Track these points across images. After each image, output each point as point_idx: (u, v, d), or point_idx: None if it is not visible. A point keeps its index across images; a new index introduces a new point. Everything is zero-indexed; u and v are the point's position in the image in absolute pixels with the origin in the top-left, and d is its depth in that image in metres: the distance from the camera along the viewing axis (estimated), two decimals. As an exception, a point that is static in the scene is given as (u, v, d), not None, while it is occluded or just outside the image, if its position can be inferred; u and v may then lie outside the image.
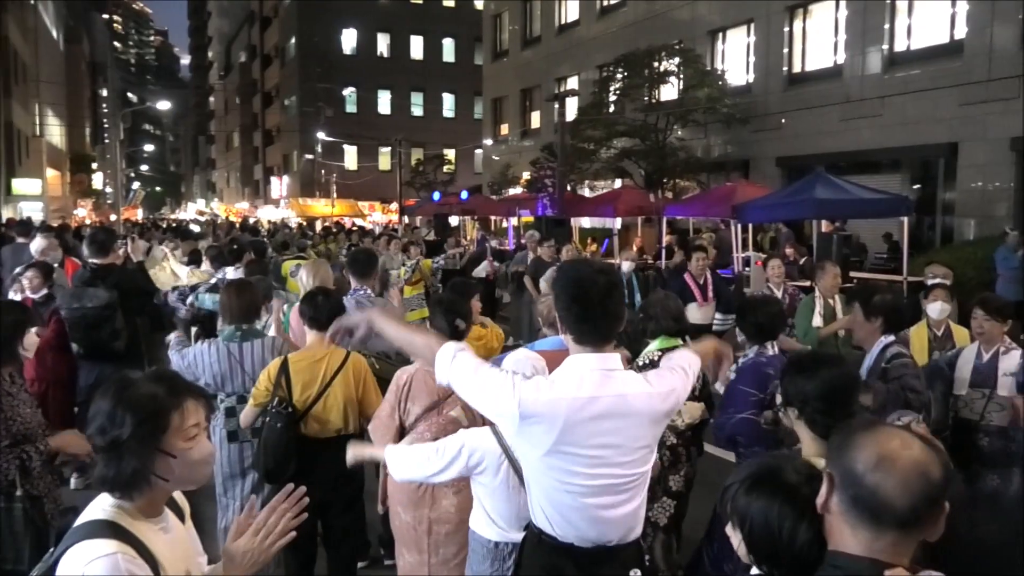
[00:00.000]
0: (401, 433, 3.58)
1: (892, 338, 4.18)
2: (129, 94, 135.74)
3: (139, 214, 62.59)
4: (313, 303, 4.08)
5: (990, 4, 15.18)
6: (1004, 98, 14.92)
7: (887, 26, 17.34)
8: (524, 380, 2.30)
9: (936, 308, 5.52)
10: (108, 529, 1.71)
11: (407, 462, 3.08)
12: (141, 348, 6.82)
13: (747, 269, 14.56)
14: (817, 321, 6.39)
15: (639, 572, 2.40)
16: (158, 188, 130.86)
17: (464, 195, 27.70)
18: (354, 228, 24.59)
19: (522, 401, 2.22)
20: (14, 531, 3.12)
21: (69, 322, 5.66)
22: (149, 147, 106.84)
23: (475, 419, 3.36)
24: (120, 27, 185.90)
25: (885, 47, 17.39)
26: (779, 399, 4.10)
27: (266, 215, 51.54)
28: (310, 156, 49.24)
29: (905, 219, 13.19)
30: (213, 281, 7.14)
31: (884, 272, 14.64)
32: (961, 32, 15.93)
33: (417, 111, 53.79)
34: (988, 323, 4.56)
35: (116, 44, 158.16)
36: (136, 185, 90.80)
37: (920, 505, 1.46)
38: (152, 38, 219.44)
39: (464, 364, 2.33)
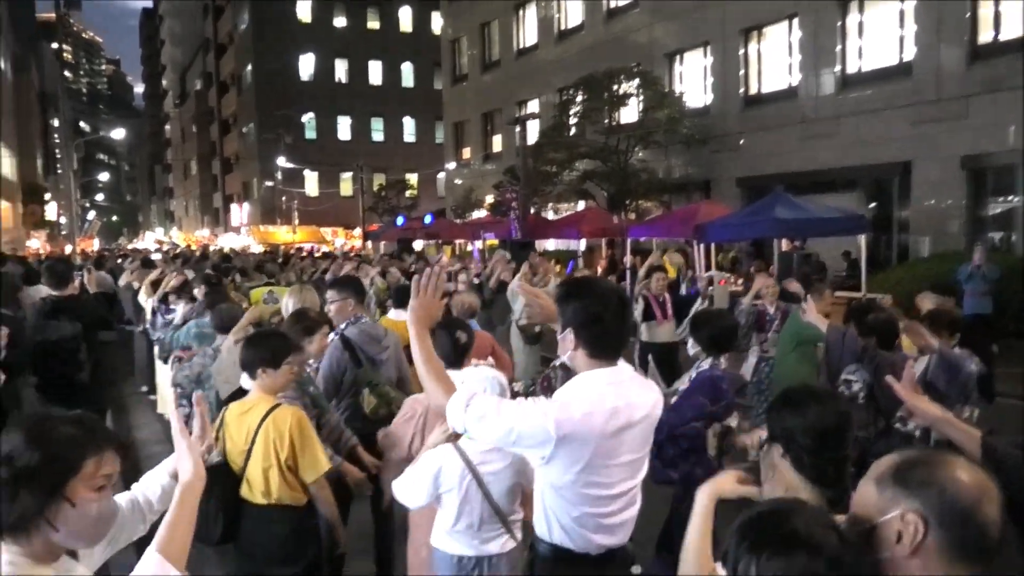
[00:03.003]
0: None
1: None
2: (82, 123, 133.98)
3: (95, 244, 61.43)
4: (249, 345, 3.61)
5: (936, 26, 15.68)
6: (953, 117, 15.38)
7: (839, 48, 17.80)
8: (551, 403, 2.33)
9: None
10: None
11: (406, 492, 3.13)
12: (104, 380, 6.67)
13: (711, 288, 14.71)
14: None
15: (639, 568, 2.50)
16: (115, 218, 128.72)
17: (428, 219, 27.66)
18: (305, 255, 23.54)
19: (558, 424, 2.25)
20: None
21: (33, 355, 5.52)
22: (104, 176, 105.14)
23: None
24: (71, 56, 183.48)
25: (838, 68, 17.83)
26: (731, 419, 4.21)
27: (227, 243, 50.94)
28: (270, 183, 48.88)
29: (862, 237, 13.46)
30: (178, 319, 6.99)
31: (844, 289, 14.87)
32: (910, 53, 16.41)
33: (378, 136, 53.79)
34: (936, 339, 4.64)
35: (67, 74, 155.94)
36: (92, 215, 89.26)
37: (1002, 533, 1.44)
38: (104, 67, 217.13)
39: (483, 407, 2.31)
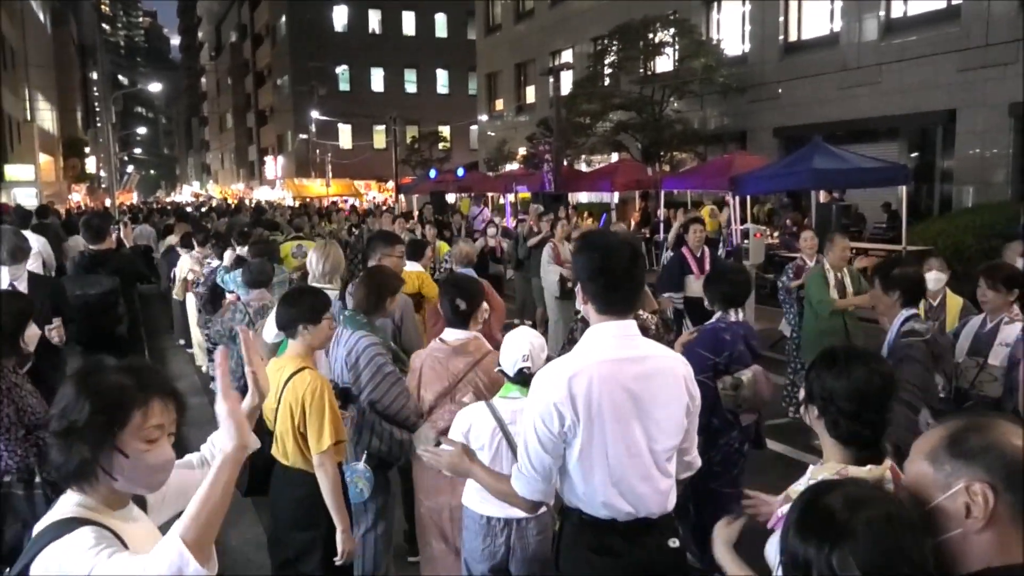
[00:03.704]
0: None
1: (913, 311, 4.10)
2: (120, 77, 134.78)
3: (134, 198, 62.34)
4: (284, 303, 3.46)
5: (987, -32, 15.02)
6: (1003, 63, 14.81)
7: (884, -8, 17.18)
8: (551, 375, 2.29)
9: (931, 278, 5.46)
10: (77, 522, 1.63)
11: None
12: (141, 333, 6.83)
13: (746, 241, 14.51)
14: (832, 294, 6.39)
15: (677, 541, 2.41)
16: (152, 171, 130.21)
17: (460, 172, 27.54)
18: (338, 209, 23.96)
19: (558, 388, 2.22)
20: (36, 516, 3.09)
21: (72, 309, 5.58)
22: (142, 130, 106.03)
23: None
24: (107, 9, 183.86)
25: (882, 14, 17.23)
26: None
27: (262, 196, 51.34)
28: (304, 136, 48.93)
29: (903, 188, 13.12)
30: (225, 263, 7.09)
31: (883, 242, 14.60)
32: (959, -3, 15.78)
33: (411, 88, 53.41)
34: (991, 293, 4.48)
35: (104, 26, 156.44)
36: (130, 169, 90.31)
37: None
38: (141, 19, 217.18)
39: (520, 456, 2.34)
